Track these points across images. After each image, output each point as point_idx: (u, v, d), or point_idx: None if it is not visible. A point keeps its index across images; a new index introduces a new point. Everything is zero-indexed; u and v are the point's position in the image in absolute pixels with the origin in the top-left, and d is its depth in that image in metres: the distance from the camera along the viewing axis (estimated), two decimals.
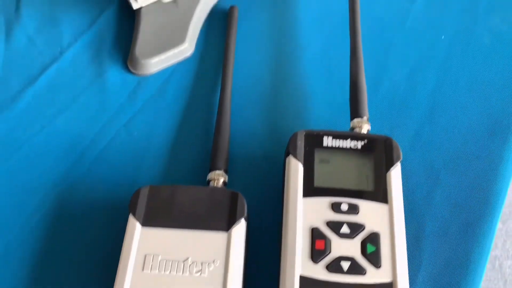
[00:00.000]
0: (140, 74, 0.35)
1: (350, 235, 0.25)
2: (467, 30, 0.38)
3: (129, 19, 0.38)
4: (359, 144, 0.28)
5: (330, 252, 0.25)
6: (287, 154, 0.28)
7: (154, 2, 0.37)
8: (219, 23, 0.39)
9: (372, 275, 0.24)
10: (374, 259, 0.25)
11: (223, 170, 0.29)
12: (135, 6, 0.36)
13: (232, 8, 0.38)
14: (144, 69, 0.35)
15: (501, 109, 0.34)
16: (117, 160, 0.31)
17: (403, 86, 0.35)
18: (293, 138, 0.28)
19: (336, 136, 0.28)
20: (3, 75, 0.35)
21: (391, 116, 0.34)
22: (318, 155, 0.28)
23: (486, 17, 0.38)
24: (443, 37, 0.37)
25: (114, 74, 0.35)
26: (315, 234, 0.25)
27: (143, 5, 0.36)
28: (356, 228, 0.25)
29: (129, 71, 0.36)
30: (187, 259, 0.25)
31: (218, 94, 0.34)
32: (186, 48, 0.36)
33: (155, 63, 0.35)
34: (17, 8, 0.38)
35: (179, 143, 0.33)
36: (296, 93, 0.35)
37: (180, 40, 0.36)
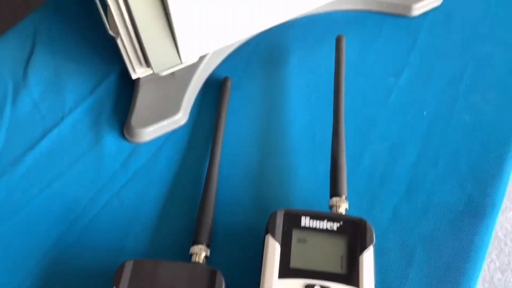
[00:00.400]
0: (135, 142, 0.38)
1: None
2: (449, 107, 0.39)
3: (128, 87, 0.41)
4: (335, 226, 0.29)
5: None
6: (266, 232, 0.30)
7: (153, 73, 0.39)
8: (212, 91, 0.41)
9: None
10: None
11: (205, 244, 0.31)
12: (134, 76, 0.39)
13: (225, 79, 0.41)
14: (139, 137, 0.37)
15: (477, 188, 0.35)
16: (107, 227, 0.33)
17: (384, 160, 0.37)
18: (273, 217, 0.30)
19: (313, 216, 0.30)
20: (7, 138, 0.37)
21: (370, 191, 0.35)
22: (295, 235, 0.29)
23: (467, 95, 0.40)
24: (425, 113, 0.39)
25: (110, 140, 0.37)
26: None
27: (141, 76, 0.39)
28: None
29: (125, 138, 0.38)
30: None
31: (208, 163, 0.36)
32: (180, 118, 0.38)
33: (150, 132, 0.37)
34: (25, 73, 0.41)
35: (167, 212, 0.34)
36: (281, 165, 0.37)
37: (175, 110, 0.38)
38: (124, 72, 0.42)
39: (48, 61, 0.42)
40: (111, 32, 0.35)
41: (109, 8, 0.34)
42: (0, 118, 0.38)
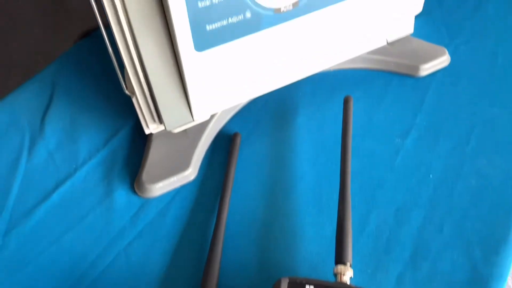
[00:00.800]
0: (145, 197, 0.38)
1: None
2: (455, 170, 0.40)
3: (141, 139, 0.42)
4: None
5: None
6: None
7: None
8: (222, 145, 0.42)
9: None
10: None
11: None
12: (147, 131, 0.40)
13: (235, 135, 0.42)
14: (148, 193, 0.38)
15: (483, 257, 0.35)
16: (113, 285, 0.33)
17: (389, 225, 0.37)
18: (277, 285, 0.30)
19: (317, 285, 0.30)
20: (20, 189, 0.38)
21: (375, 257, 0.35)
22: None
23: (474, 159, 0.40)
24: (431, 176, 0.40)
25: (121, 194, 0.38)
26: None
27: (154, 132, 0.40)
28: None
29: (135, 192, 0.39)
30: None
31: (215, 220, 0.36)
32: (190, 174, 0.39)
33: (160, 188, 0.38)
34: (42, 123, 0.43)
35: (172, 272, 0.34)
36: (288, 225, 0.37)
37: (185, 166, 0.39)
38: (138, 125, 0.43)
39: (65, 112, 0.43)
40: (127, 92, 0.37)
41: (126, 69, 0.35)
42: (15, 169, 0.39)
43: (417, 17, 0.47)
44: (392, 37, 0.45)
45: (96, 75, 0.46)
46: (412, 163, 0.40)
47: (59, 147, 0.41)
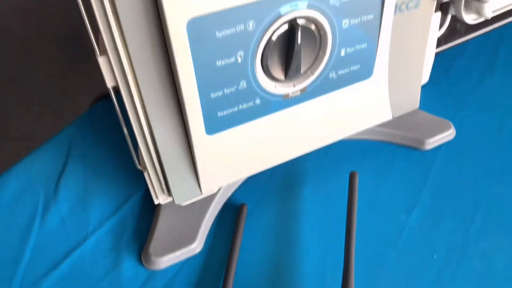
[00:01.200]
0: (151, 269, 0.39)
1: None
2: (459, 251, 0.40)
3: (151, 207, 0.43)
4: None
5: None
6: None
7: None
8: (228, 216, 0.43)
9: None
10: None
11: None
12: (156, 202, 0.41)
13: (242, 206, 0.43)
14: (155, 265, 0.39)
15: None
16: None
17: None
18: None
19: None
20: (31, 257, 0.39)
21: None
22: None
23: (478, 240, 0.40)
24: (435, 256, 0.40)
25: (128, 265, 0.39)
26: None
27: (163, 203, 0.41)
28: None
29: (141, 263, 0.39)
30: None
31: None
32: (196, 247, 0.40)
33: (166, 261, 0.39)
34: (56, 188, 0.44)
35: None
36: None
37: (191, 239, 0.40)
38: (148, 192, 0.44)
39: (79, 177, 0.45)
40: (139, 167, 0.38)
41: (139, 147, 0.37)
42: (28, 234, 0.40)
43: (423, 87, 0.48)
44: (398, 113, 0.46)
45: (110, 140, 0.48)
46: (416, 241, 0.41)
47: (71, 214, 0.42)
